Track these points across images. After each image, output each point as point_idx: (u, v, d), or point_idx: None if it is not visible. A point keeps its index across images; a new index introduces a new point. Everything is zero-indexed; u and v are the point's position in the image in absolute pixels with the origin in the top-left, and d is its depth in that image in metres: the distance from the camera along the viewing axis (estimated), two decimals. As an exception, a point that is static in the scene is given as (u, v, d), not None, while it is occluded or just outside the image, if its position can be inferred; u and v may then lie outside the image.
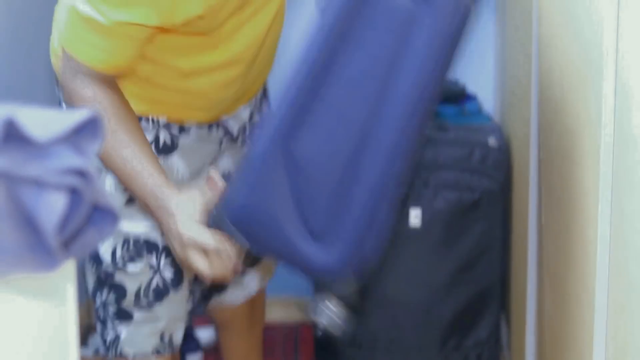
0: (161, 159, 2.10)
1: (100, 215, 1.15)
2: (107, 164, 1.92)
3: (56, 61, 2.12)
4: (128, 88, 2.00)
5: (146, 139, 1.94)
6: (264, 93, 2.34)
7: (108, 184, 2.10)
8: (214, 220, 1.80)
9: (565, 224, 1.89)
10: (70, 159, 1.07)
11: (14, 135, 1.04)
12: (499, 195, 2.86)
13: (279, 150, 1.75)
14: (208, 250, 1.82)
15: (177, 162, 2.14)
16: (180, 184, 2.07)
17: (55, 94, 2.20)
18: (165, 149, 2.11)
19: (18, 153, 1.05)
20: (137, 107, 2.00)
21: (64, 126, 1.08)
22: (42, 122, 1.08)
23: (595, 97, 1.58)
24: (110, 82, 1.93)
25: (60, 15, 1.96)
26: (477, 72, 3.39)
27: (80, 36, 1.87)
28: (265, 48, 2.12)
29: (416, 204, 2.83)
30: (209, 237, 1.81)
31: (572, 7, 1.80)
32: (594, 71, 1.59)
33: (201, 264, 1.83)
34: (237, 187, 1.79)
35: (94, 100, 1.90)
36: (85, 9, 1.83)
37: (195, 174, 2.16)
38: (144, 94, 2.06)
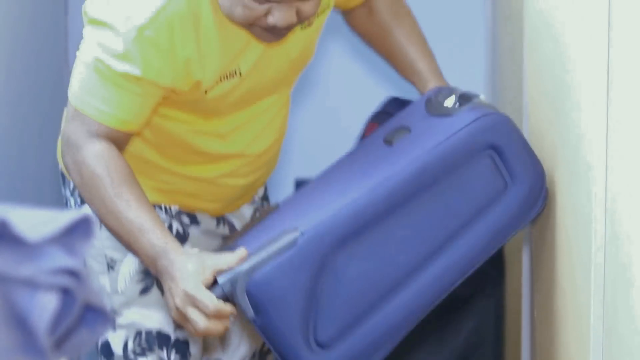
0: None
1: (93, 315, 1.14)
2: (111, 225, 1.94)
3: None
4: (140, 179, 2.02)
5: (148, 201, 1.96)
6: (265, 193, 2.36)
7: (123, 273, 2.10)
8: (226, 284, 1.83)
9: (558, 319, 1.88)
10: (62, 259, 1.07)
11: (5, 236, 1.04)
12: (491, 290, 2.85)
13: (326, 251, 1.84)
14: (207, 310, 1.82)
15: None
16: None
17: (62, 193, 2.21)
18: (178, 239, 2.13)
19: (10, 253, 1.05)
20: (150, 197, 2.03)
21: (55, 226, 1.08)
22: (34, 222, 1.08)
23: (585, 194, 1.58)
24: (118, 146, 1.96)
25: (73, 78, 2.00)
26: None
27: (91, 92, 1.92)
28: (270, 145, 2.16)
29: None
30: (211, 297, 1.82)
31: (561, 131, 1.82)
32: (584, 168, 1.60)
33: (198, 321, 1.82)
34: (272, 261, 1.84)
35: (101, 156, 1.92)
36: (99, 63, 1.89)
37: None
38: (155, 183, 2.11)
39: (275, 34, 1.89)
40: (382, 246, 1.86)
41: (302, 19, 1.87)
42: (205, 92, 1.96)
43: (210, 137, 2.08)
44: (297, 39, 2.04)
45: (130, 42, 1.86)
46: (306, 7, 1.86)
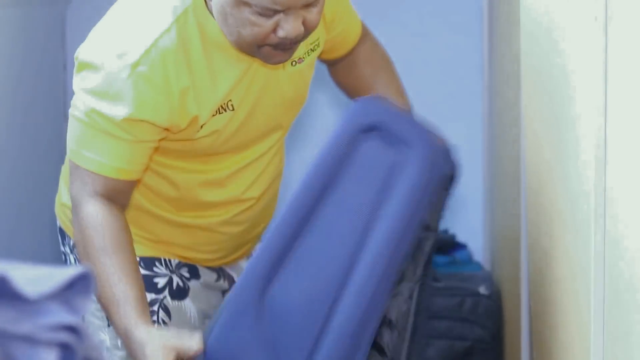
0: (175, 303, 2.12)
1: (92, 371, 1.14)
2: (97, 290, 1.91)
3: (63, 216, 2.15)
4: (138, 234, 2.03)
5: (136, 270, 1.93)
6: None
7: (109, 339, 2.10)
8: None
9: (557, 324, 1.88)
10: (61, 315, 1.07)
11: (5, 292, 1.04)
12: (491, 344, 2.85)
13: (254, 296, 1.79)
14: None
15: (189, 306, 2.15)
16: (193, 328, 2.09)
17: (61, 250, 2.21)
18: (178, 293, 2.14)
19: (9, 309, 1.05)
20: (149, 251, 2.03)
21: (55, 283, 1.08)
22: (33, 278, 1.08)
23: (584, 248, 1.58)
24: (116, 204, 1.95)
25: (68, 134, 1.99)
26: (467, 222, 3.42)
27: (86, 145, 1.91)
28: (266, 189, 2.16)
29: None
30: None
31: (560, 157, 1.82)
32: (582, 222, 1.60)
33: None
34: (210, 328, 1.81)
35: (95, 218, 1.92)
36: (91, 114, 1.88)
37: (205, 319, 2.16)
38: (153, 236, 2.11)
39: (285, 50, 1.89)
40: (309, 260, 1.81)
41: (308, 30, 1.87)
42: (201, 126, 1.96)
43: (207, 185, 2.08)
44: (289, 76, 2.05)
45: (123, 80, 1.86)
46: (311, 16, 1.86)
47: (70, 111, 1.95)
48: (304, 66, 2.08)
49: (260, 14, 1.81)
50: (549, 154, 1.93)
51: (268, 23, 1.83)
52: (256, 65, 1.98)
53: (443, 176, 1.88)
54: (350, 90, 2.30)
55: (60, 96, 3.31)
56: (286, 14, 1.82)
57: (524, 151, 2.31)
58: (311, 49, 2.07)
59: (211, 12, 1.90)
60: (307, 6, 1.84)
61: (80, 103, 1.91)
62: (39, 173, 3.08)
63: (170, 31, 1.89)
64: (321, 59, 2.22)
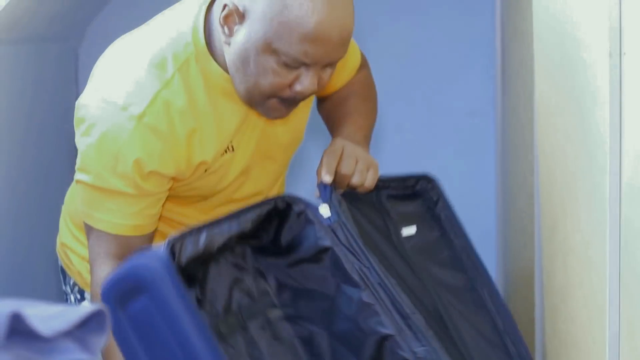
0: None
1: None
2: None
3: (63, 256, 2.15)
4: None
5: None
6: None
7: None
8: None
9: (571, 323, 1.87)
10: (76, 353, 1.06)
11: (20, 330, 1.04)
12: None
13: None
14: None
15: None
16: None
17: (62, 289, 2.21)
18: None
19: (24, 347, 1.04)
20: None
21: (69, 320, 1.07)
22: (48, 316, 1.08)
23: (600, 285, 1.58)
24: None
25: (76, 199, 1.99)
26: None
27: (96, 207, 1.90)
28: None
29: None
30: None
31: (574, 193, 1.82)
32: (596, 258, 1.59)
33: None
34: None
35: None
36: (97, 173, 1.86)
37: None
38: None
39: (290, 105, 1.88)
40: None
41: (320, 87, 1.87)
42: (206, 170, 1.95)
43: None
44: (286, 118, 2.02)
45: (129, 132, 1.84)
46: (326, 75, 1.86)
47: (75, 176, 1.92)
48: (301, 106, 2.04)
49: (285, 65, 1.81)
50: (563, 191, 1.92)
51: (289, 76, 1.82)
52: None
53: None
54: (326, 119, 2.26)
55: (71, 132, 3.32)
56: (308, 69, 1.82)
57: (537, 187, 2.31)
58: None
59: (214, 57, 1.89)
60: (328, 65, 1.84)
61: (84, 164, 1.89)
62: (47, 210, 3.08)
63: (174, 80, 1.87)
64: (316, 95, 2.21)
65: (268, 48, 1.79)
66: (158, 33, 1.93)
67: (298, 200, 1.93)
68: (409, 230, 2.07)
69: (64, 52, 3.13)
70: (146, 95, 1.85)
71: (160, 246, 1.71)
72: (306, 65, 1.81)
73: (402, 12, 3.86)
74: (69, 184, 2.05)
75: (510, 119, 3.12)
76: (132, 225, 1.92)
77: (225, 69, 1.89)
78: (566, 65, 1.83)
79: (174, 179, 1.93)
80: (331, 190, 1.93)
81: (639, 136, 1.41)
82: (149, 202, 1.92)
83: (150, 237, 1.97)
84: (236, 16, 1.82)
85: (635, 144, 1.42)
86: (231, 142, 1.97)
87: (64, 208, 2.15)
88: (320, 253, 1.90)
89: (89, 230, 1.94)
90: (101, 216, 1.91)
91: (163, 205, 2.02)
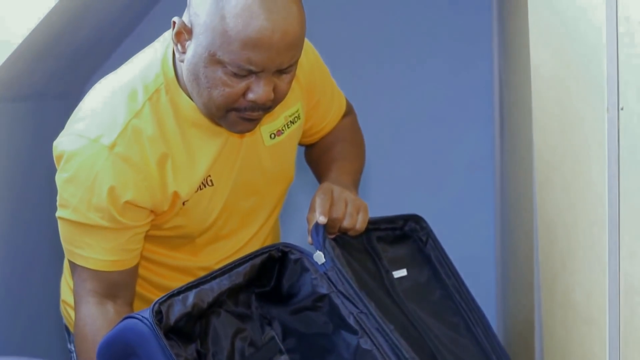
0: None
1: None
2: None
3: (66, 314, 2.14)
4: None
5: None
6: None
7: None
8: None
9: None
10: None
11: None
12: None
13: None
14: None
15: None
16: None
17: (67, 347, 2.20)
18: None
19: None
20: None
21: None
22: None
23: (599, 342, 1.56)
24: (117, 299, 1.94)
25: (60, 232, 1.98)
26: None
27: (75, 243, 1.91)
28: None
29: None
30: None
31: (573, 246, 1.81)
32: (596, 313, 1.58)
33: None
34: None
35: (85, 323, 1.92)
36: (75, 208, 1.88)
37: None
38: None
39: (251, 120, 1.87)
40: None
41: (277, 97, 1.85)
42: (183, 203, 1.94)
43: (201, 269, 2.05)
44: (269, 149, 2.04)
45: (101, 163, 1.85)
46: (282, 84, 1.85)
47: (57, 213, 1.93)
48: (285, 138, 2.06)
49: (234, 75, 1.80)
50: (563, 244, 1.92)
51: (240, 85, 1.81)
52: (233, 139, 1.97)
53: None
54: (313, 166, 2.26)
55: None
56: (258, 77, 1.81)
57: (537, 240, 2.30)
58: (291, 121, 2.06)
59: (184, 90, 1.90)
60: (280, 72, 1.83)
61: (63, 200, 1.90)
62: (48, 269, 3.07)
63: (144, 110, 1.88)
64: (303, 143, 2.21)
65: (213, 59, 1.80)
66: (132, 66, 1.95)
67: (293, 248, 1.94)
68: (400, 273, 2.07)
69: (64, 109, 3.13)
70: (117, 126, 1.87)
71: (147, 309, 1.75)
72: (255, 72, 1.80)
73: (399, 60, 3.86)
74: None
75: (509, 173, 3.12)
76: (112, 261, 1.92)
77: (194, 101, 1.89)
78: (564, 118, 1.83)
79: (152, 212, 1.92)
80: (324, 236, 1.93)
81: (636, 191, 1.41)
82: (128, 237, 1.92)
83: (132, 273, 1.97)
84: (185, 32, 1.84)
85: (633, 198, 1.42)
86: (209, 175, 1.96)
87: (64, 266, 2.15)
88: (318, 300, 1.90)
89: (72, 267, 1.95)
90: (81, 252, 1.91)
91: (152, 254, 2.03)
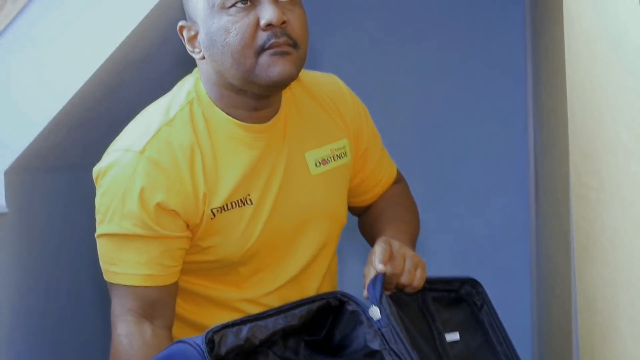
0: None
1: None
2: None
3: None
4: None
5: None
6: None
7: None
8: None
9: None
10: None
11: None
12: None
13: None
14: None
15: None
16: None
17: None
18: None
19: None
20: None
21: None
22: None
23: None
24: (155, 320, 1.94)
25: (98, 253, 2.00)
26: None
27: (112, 261, 1.93)
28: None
29: None
30: None
31: (612, 273, 1.78)
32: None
33: None
34: None
35: (121, 343, 1.92)
36: (114, 228, 1.91)
37: None
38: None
39: (282, 54, 1.90)
40: None
41: (295, 27, 1.91)
42: (214, 214, 1.95)
43: (246, 301, 2.06)
44: (314, 178, 2.05)
45: (132, 168, 1.89)
46: (293, 16, 1.91)
47: (95, 233, 1.96)
48: (332, 171, 2.08)
49: (238, 11, 1.88)
50: (604, 317, 1.89)
51: (249, 17, 1.88)
52: (272, 158, 2.00)
53: None
54: (367, 234, 2.26)
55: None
56: (261, 3, 1.88)
57: (576, 312, 2.27)
58: (337, 155, 2.09)
59: (216, 104, 1.96)
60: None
61: (99, 215, 1.94)
62: (93, 330, 3.06)
63: (175, 119, 1.94)
64: (352, 205, 2.22)
65: (214, 10, 1.89)
66: (167, 95, 2.03)
67: (351, 298, 1.92)
68: (452, 336, 2.04)
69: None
70: (149, 133, 1.93)
71: (200, 336, 1.74)
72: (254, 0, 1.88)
73: (437, 136, 3.88)
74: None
75: (545, 245, 3.09)
76: (146, 275, 1.92)
77: (228, 113, 1.96)
78: (601, 187, 1.81)
79: (185, 223, 1.93)
80: (381, 291, 1.90)
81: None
82: (162, 249, 1.92)
83: (169, 291, 1.96)
84: (189, 26, 1.95)
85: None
86: (248, 194, 1.97)
87: None
88: (369, 356, 1.88)
89: (110, 289, 1.96)
90: (116, 269, 1.93)
91: (194, 287, 2.02)
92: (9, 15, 2.53)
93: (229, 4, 1.88)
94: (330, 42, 3.98)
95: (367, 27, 4.00)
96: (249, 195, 1.97)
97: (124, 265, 1.92)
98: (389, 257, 1.94)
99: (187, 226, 1.94)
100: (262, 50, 1.88)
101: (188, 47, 1.97)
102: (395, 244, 1.97)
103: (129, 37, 2.53)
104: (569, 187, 2.14)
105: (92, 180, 1.98)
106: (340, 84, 2.18)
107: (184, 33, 1.96)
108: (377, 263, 1.91)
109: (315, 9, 3.40)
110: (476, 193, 3.92)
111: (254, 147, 1.98)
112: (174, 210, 1.91)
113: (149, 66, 2.96)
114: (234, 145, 1.97)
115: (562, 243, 2.47)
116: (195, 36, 1.95)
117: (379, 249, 1.94)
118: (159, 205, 1.89)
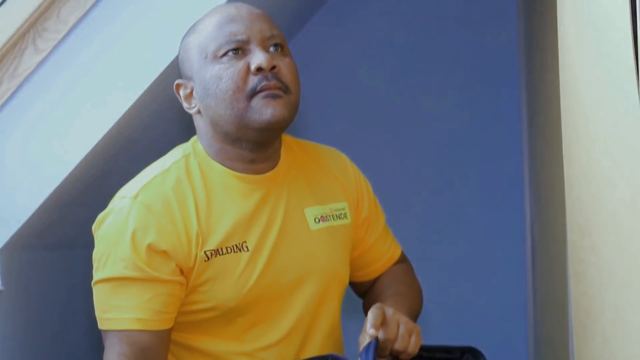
0: None
1: None
2: None
3: None
4: None
5: None
6: None
7: None
8: None
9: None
10: None
11: None
12: None
13: None
14: None
15: None
16: None
17: None
18: None
19: None
20: None
21: None
22: None
23: None
24: (155, 354, 1.94)
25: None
26: None
27: (104, 307, 1.94)
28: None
29: None
30: None
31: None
32: None
33: None
34: None
35: None
36: (107, 273, 1.93)
37: None
38: None
39: (275, 97, 1.95)
40: None
41: (285, 74, 1.97)
42: (208, 257, 1.95)
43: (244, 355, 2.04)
44: (313, 234, 2.05)
45: (126, 212, 1.93)
46: (283, 64, 1.98)
47: (92, 282, 1.98)
48: (331, 228, 2.09)
49: (230, 59, 1.96)
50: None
51: (240, 63, 1.95)
52: (270, 209, 2.01)
53: None
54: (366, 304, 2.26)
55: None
56: (251, 50, 1.96)
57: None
58: (337, 215, 2.11)
59: (213, 158, 2.01)
60: (272, 46, 1.98)
61: (95, 263, 1.97)
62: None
63: (171, 169, 1.99)
64: (355, 281, 2.22)
65: (207, 60, 1.97)
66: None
67: None
68: None
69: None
70: (142, 182, 1.98)
71: None
72: (244, 49, 1.96)
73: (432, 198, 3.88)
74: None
75: (542, 319, 3.08)
76: (137, 319, 1.92)
77: (224, 165, 2.00)
78: (596, 206, 1.80)
79: (178, 266, 1.93)
80: (373, 358, 1.87)
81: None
82: (153, 293, 1.92)
83: (161, 338, 1.95)
84: (187, 85, 2.02)
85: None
86: (244, 241, 1.98)
87: None
88: None
89: (104, 337, 1.95)
90: (109, 315, 1.93)
91: (190, 342, 2.01)
92: (6, 93, 2.54)
93: (220, 53, 1.96)
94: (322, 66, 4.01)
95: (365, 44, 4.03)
96: (245, 242, 1.99)
97: (117, 311, 1.93)
98: (382, 323, 1.92)
99: (181, 271, 1.95)
100: (253, 93, 1.94)
101: (184, 105, 2.03)
102: (389, 310, 1.96)
103: (123, 117, 2.55)
104: (567, 263, 2.14)
105: (89, 258, 1.99)
106: (343, 155, 2.22)
107: (181, 91, 2.04)
108: (368, 327, 1.90)
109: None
110: (475, 269, 3.91)
111: (249, 197, 2.00)
112: (165, 252, 1.93)
113: (144, 145, 2.97)
114: (229, 193, 2.00)
115: (560, 320, 2.46)
116: (191, 93, 2.02)
117: (371, 314, 1.92)
118: (150, 247, 1.92)
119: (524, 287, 3.79)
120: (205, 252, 1.96)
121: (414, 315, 2.15)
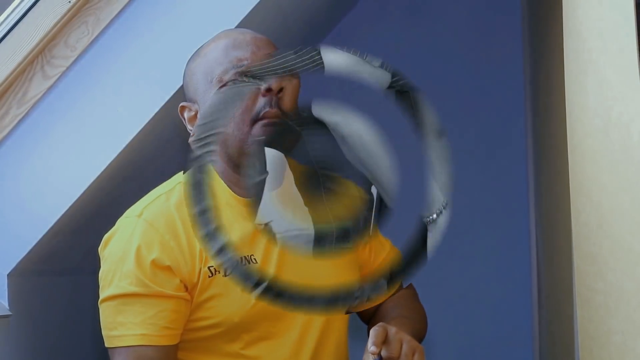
0: None
1: None
2: None
3: None
4: None
5: None
6: None
7: None
8: None
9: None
10: None
11: None
12: None
13: None
14: None
15: None
16: None
17: None
18: None
19: None
20: None
21: None
22: None
23: None
24: None
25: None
26: None
27: (111, 326, 1.96)
28: None
29: None
30: None
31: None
32: None
33: None
34: None
35: None
36: (112, 290, 1.96)
37: None
38: None
39: (275, 123, 1.98)
40: None
41: (287, 99, 2.00)
42: (213, 273, 1.97)
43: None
44: (324, 263, 2.06)
45: (130, 230, 1.97)
46: (290, 85, 2.01)
47: (99, 301, 2.00)
48: (346, 257, 2.09)
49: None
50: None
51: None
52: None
53: None
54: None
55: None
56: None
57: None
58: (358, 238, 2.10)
59: (219, 175, 2.04)
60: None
61: (100, 282, 1.99)
62: None
63: (174, 190, 2.03)
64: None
65: (214, 83, 2.00)
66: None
67: None
68: None
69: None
70: (147, 201, 2.03)
71: None
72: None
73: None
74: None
75: (549, 345, 3.08)
76: (142, 335, 1.93)
77: (228, 185, 2.03)
78: (602, 234, 1.81)
79: (182, 282, 1.95)
80: None
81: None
82: (157, 309, 1.94)
83: (167, 354, 1.95)
84: (192, 108, 2.07)
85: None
86: (252, 254, 2.00)
87: None
88: None
89: (111, 356, 1.97)
90: (115, 333, 1.95)
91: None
92: (15, 119, 2.55)
93: (226, 78, 2.00)
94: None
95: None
96: (252, 255, 2.01)
97: (122, 329, 1.94)
98: (384, 341, 1.91)
99: (186, 288, 1.97)
100: (256, 119, 1.98)
101: (188, 127, 2.09)
102: (392, 329, 1.95)
103: (131, 143, 2.56)
104: (573, 289, 2.14)
105: (97, 284, 2.00)
106: None
107: (185, 113, 2.09)
108: (369, 345, 1.90)
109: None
110: (480, 295, 3.90)
111: (249, 220, 2.01)
112: (169, 267, 1.95)
113: (151, 172, 2.98)
114: (233, 212, 2.02)
115: (567, 346, 2.46)
116: (195, 115, 2.06)
117: (373, 332, 1.92)
118: (154, 262, 1.94)
119: (529, 313, 3.78)
120: (209, 267, 1.97)
121: (418, 339, 2.14)
